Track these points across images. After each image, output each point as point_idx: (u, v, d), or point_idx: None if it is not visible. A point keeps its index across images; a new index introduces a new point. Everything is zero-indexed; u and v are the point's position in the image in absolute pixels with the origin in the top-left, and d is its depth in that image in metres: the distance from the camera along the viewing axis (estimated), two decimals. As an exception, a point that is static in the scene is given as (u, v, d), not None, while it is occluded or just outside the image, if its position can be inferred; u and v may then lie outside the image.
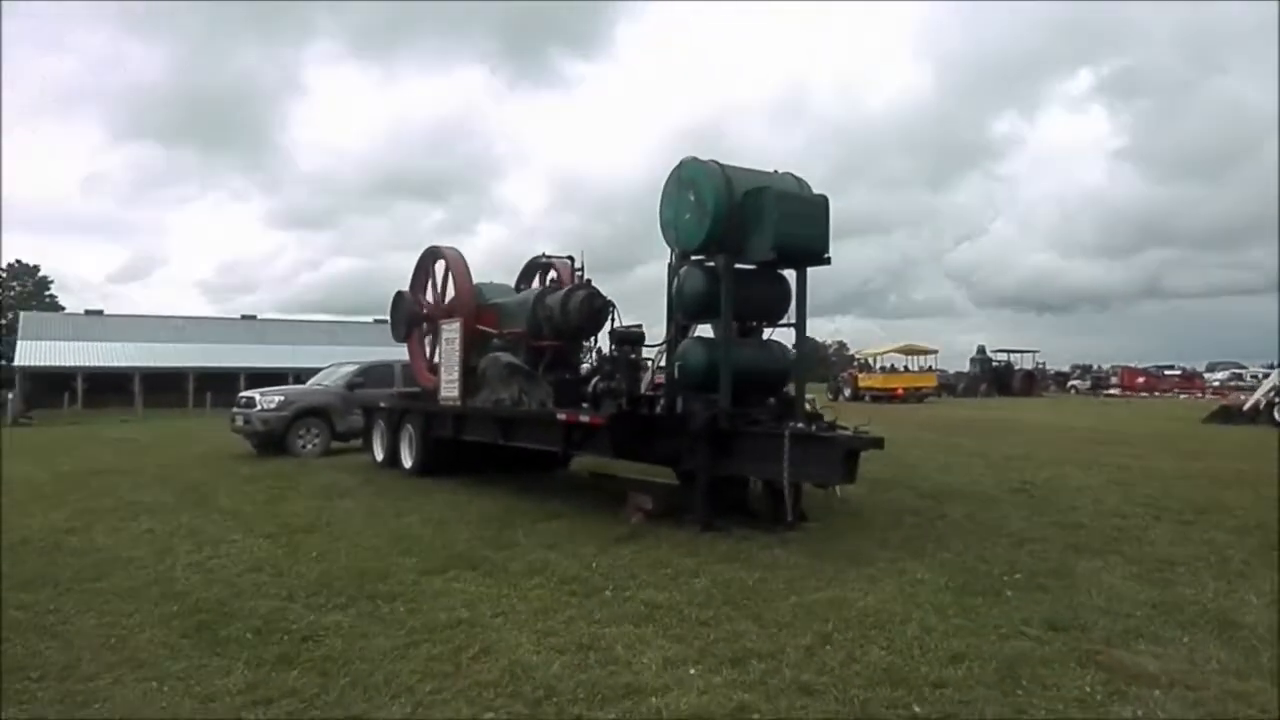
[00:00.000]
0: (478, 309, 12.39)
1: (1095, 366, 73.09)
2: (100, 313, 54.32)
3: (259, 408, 16.27)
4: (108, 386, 45.31)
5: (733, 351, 8.67)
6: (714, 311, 8.81)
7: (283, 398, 16.37)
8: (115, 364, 45.95)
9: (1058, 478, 12.00)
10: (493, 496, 10.88)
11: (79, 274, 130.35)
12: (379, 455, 14.18)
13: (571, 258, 11.73)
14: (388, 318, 13.75)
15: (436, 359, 13.79)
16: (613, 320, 11.38)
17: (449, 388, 11.80)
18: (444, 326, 12.02)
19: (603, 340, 11.80)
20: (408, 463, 13.18)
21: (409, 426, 13.17)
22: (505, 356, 11.07)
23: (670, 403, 8.88)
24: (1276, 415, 21.68)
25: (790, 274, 9.09)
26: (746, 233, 8.50)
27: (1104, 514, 9.29)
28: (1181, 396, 49.78)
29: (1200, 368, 73.99)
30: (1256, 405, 22.65)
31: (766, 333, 9.41)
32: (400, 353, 26.01)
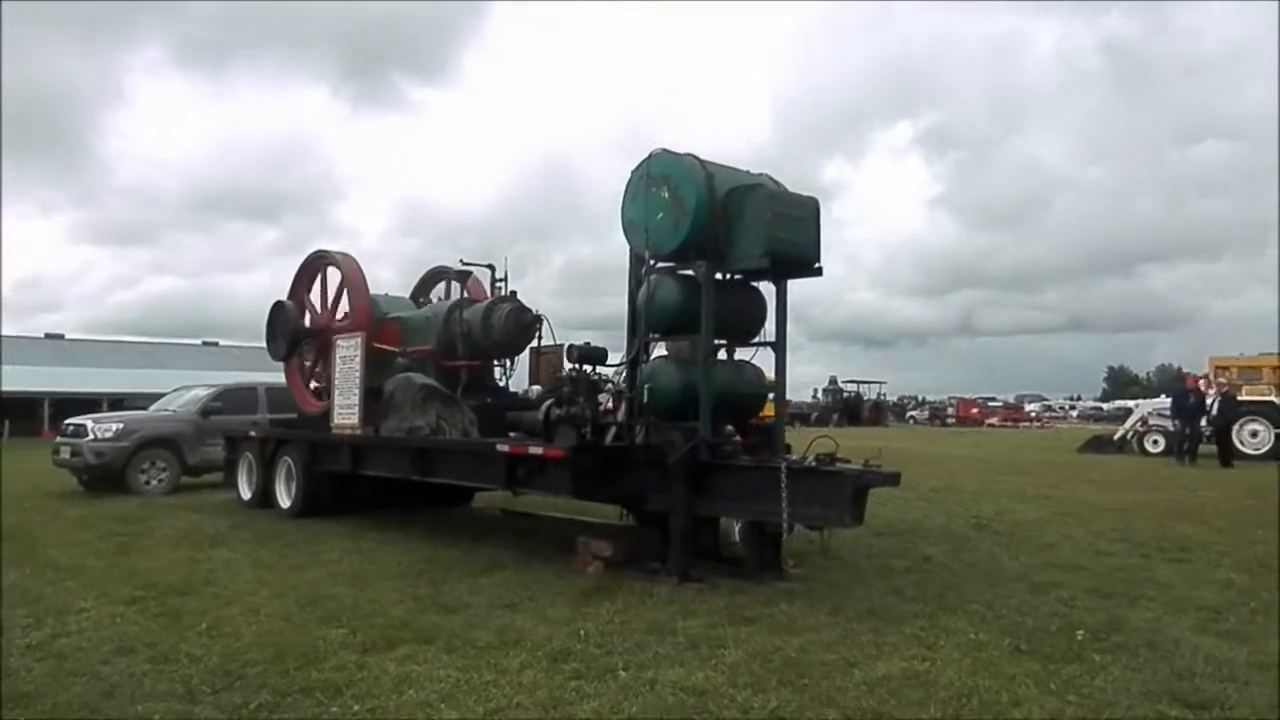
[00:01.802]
0: (376, 323, 10.72)
1: (921, 398, 76.79)
2: None
3: (91, 436, 13.76)
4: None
5: (709, 374, 7.52)
6: (688, 326, 7.64)
7: (122, 425, 13.91)
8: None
9: (1005, 512, 11.46)
10: (404, 542, 9.22)
11: None
12: (246, 493, 12.12)
13: (492, 266, 10.30)
14: (265, 337, 11.72)
15: (315, 382, 11.98)
16: (540, 337, 10.07)
17: (346, 414, 10.05)
18: (340, 342, 10.27)
19: (523, 361, 10.53)
20: (285, 502, 11.25)
21: (287, 459, 11.25)
22: (419, 378, 9.48)
23: (636, 432, 7.61)
24: (1147, 446, 22.54)
25: (764, 288, 8.07)
26: (731, 237, 7.40)
27: (1088, 552, 8.68)
28: (1021, 425, 52.44)
29: (1010, 399, 79.32)
30: (1125, 436, 23.54)
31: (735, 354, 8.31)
32: (255, 376, 23.46)
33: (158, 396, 19.14)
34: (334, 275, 11.46)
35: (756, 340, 8.05)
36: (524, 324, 9.75)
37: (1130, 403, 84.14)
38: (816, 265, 7.57)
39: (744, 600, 6.58)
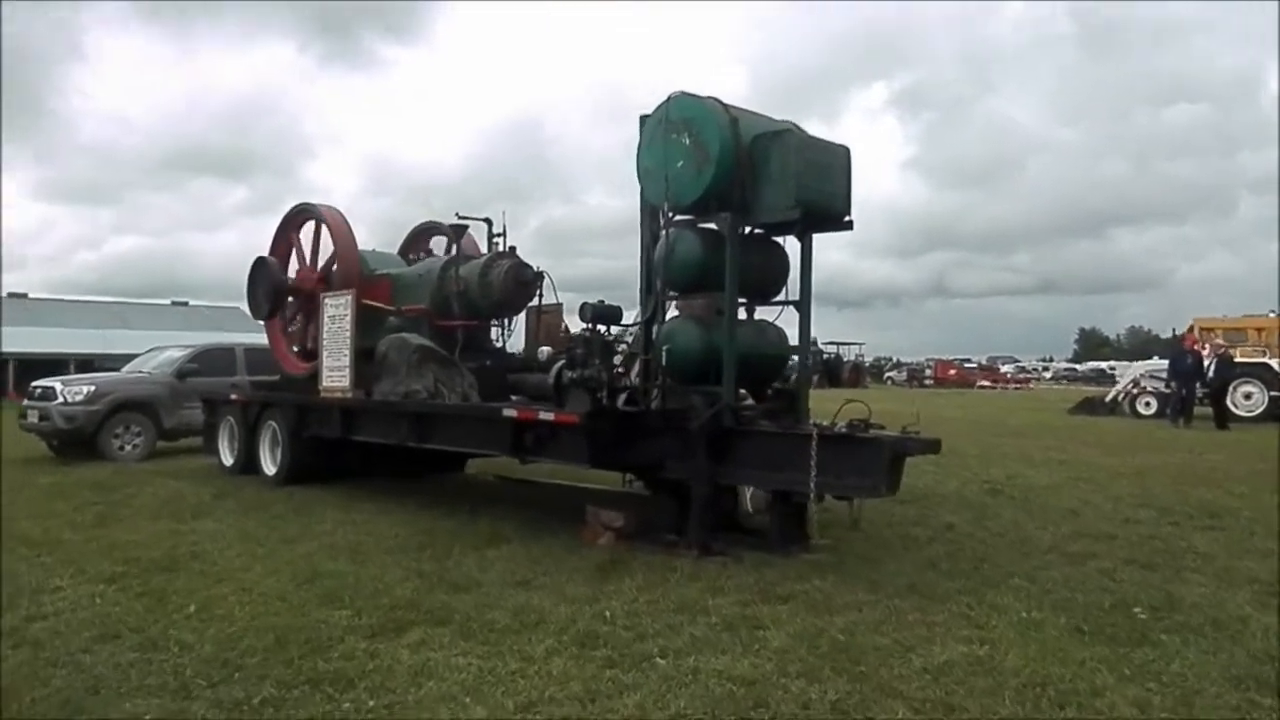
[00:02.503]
0: (365, 281, 10.14)
1: (896, 359, 76.90)
2: None
3: (61, 400, 13.10)
4: None
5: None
6: (709, 283, 7.16)
7: (94, 388, 13.24)
8: None
9: (1016, 477, 11.16)
10: (399, 512, 8.75)
11: None
12: (228, 459, 11.57)
13: (489, 220, 9.73)
14: (246, 295, 11.05)
15: (299, 344, 11.39)
16: (541, 295, 9.55)
17: (336, 376, 9.50)
18: (328, 301, 9.69)
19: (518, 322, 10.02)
20: (270, 468, 10.72)
21: (272, 424, 10.70)
22: (414, 338, 8.95)
23: (653, 396, 7.16)
24: (1139, 408, 22.43)
25: (786, 242, 7.60)
26: (757, 186, 6.89)
27: (1114, 520, 8.38)
28: (1003, 387, 52.56)
29: (984, 360, 79.63)
30: (1116, 398, 23.42)
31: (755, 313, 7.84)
32: (230, 337, 22.73)
33: (127, 358, 18.42)
34: (318, 230, 10.83)
35: (779, 299, 7.58)
36: (524, 281, 9.22)
37: (1104, 364, 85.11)
38: (847, 218, 7.09)
39: (772, 575, 6.18)
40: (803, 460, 6.42)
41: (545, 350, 8.54)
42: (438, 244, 11.72)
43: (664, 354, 7.03)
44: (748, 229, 7.26)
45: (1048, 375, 78.76)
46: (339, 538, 7.57)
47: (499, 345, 10.01)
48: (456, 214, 9.58)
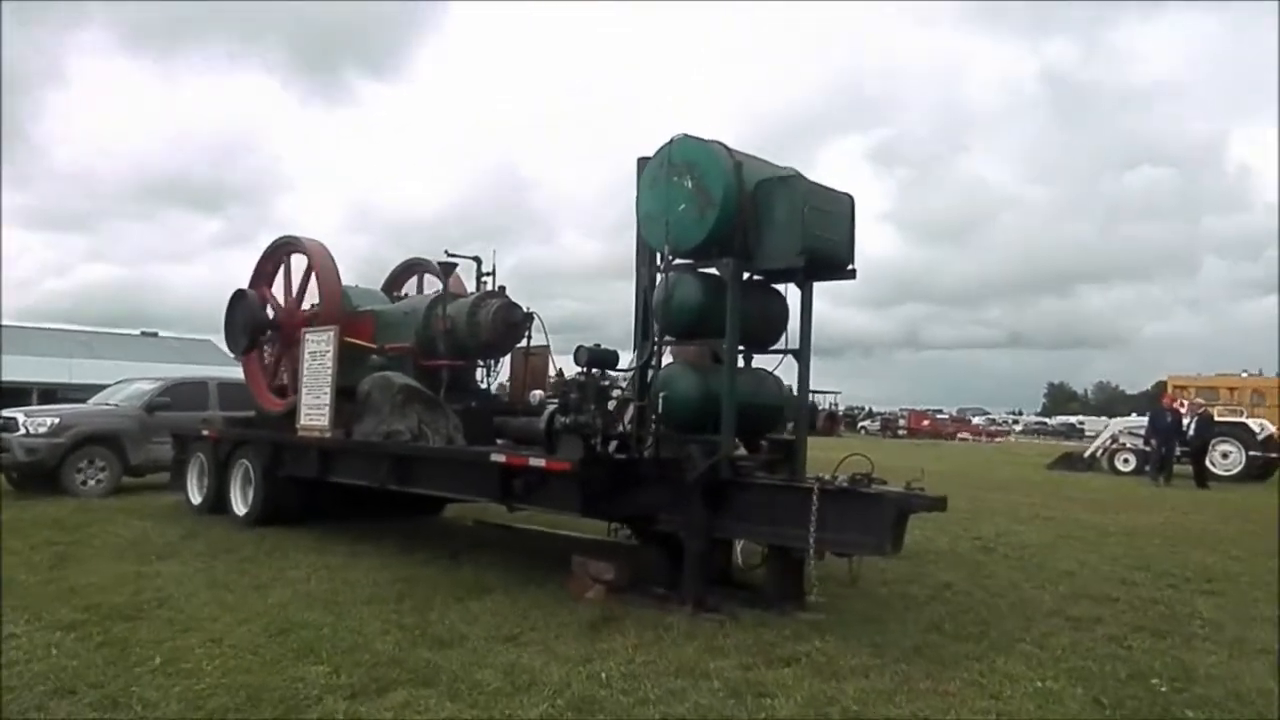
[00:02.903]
0: (348, 317, 9.86)
1: (869, 408, 77.12)
2: None
3: (22, 431, 12.61)
4: None
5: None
6: (708, 329, 6.97)
7: (58, 420, 12.76)
8: None
9: (1006, 534, 10.98)
10: (376, 557, 8.40)
11: None
12: (196, 498, 11.14)
13: (478, 258, 9.52)
14: (224, 329, 10.73)
15: (276, 379, 11.06)
16: (529, 337, 9.33)
17: (315, 414, 9.17)
18: (309, 337, 9.38)
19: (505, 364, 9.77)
20: (240, 508, 10.31)
21: (245, 462, 10.31)
22: (399, 377, 8.67)
23: (646, 444, 6.91)
24: (1117, 464, 22.44)
25: (785, 290, 7.45)
26: (761, 232, 6.74)
27: (1112, 581, 8.20)
28: (981, 440, 52.70)
29: (954, 412, 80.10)
30: (1094, 454, 23.45)
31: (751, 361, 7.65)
32: (201, 370, 22.20)
33: (93, 388, 17.93)
34: (300, 264, 10.57)
35: (777, 347, 7.40)
36: (513, 322, 9.00)
37: (1073, 418, 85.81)
38: (850, 267, 6.95)
39: (771, 635, 5.92)
40: (803, 515, 6.19)
41: (537, 394, 8.28)
42: (425, 282, 11.50)
43: (660, 401, 6.79)
44: (748, 275, 7.10)
45: (1018, 428, 79.39)
46: (314, 585, 7.21)
47: (484, 386, 9.74)
48: (446, 251, 9.37)
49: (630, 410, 7.29)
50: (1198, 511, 14.17)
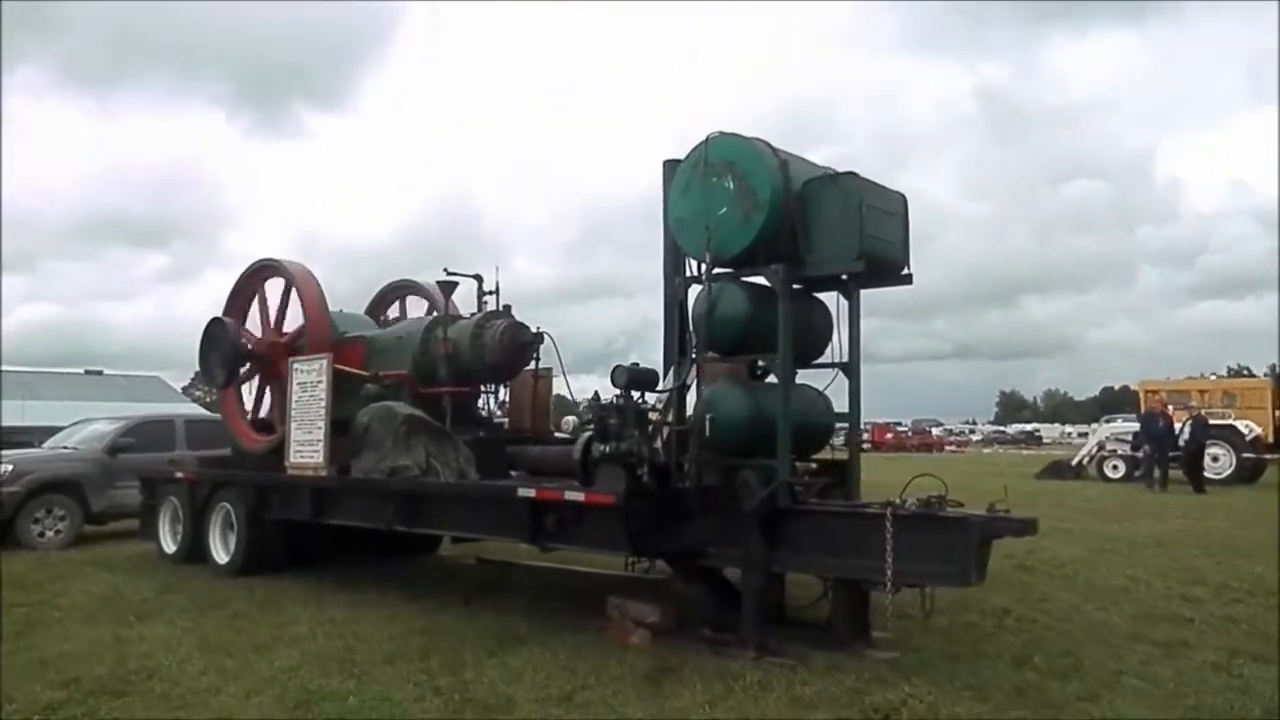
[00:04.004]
0: (336, 344, 9.11)
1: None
2: None
3: (-28, 481, 11.55)
4: None
5: (775, 400, 6.27)
6: (756, 344, 6.39)
7: (11, 466, 11.73)
8: None
9: (1037, 550, 10.42)
10: (382, 606, 7.63)
11: None
12: (169, 546, 10.22)
13: (479, 276, 8.82)
14: (199, 361, 9.83)
15: (255, 414, 10.24)
16: (537, 360, 8.66)
17: (307, 451, 8.38)
18: (298, 367, 8.60)
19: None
20: (221, 556, 9.43)
21: (226, 505, 9.45)
22: (402, 407, 7.94)
23: (689, 471, 6.28)
24: (1106, 471, 22.26)
25: (826, 298, 6.89)
26: (810, 235, 6.19)
27: (1174, 599, 7.76)
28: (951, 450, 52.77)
29: (908, 423, 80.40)
30: (1082, 461, 23.26)
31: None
32: (153, 408, 21.01)
33: (39, 430, 16.85)
34: (279, 288, 9.79)
35: (822, 361, 6.82)
36: (522, 343, 8.32)
37: (1028, 426, 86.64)
38: (906, 271, 6.42)
39: (852, 681, 5.31)
40: (872, 544, 5.61)
41: (570, 420, 7.61)
42: (410, 304, 10.81)
43: (707, 424, 6.17)
44: (800, 282, 6.53)
45: (975, 438, 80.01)
46: (322, 643, 6.43)
47: (488, 414, 9.04)
48: (445, 270, 8.67)
49: (662, 434, 6.65)
50: (1210, 517, 13.88)
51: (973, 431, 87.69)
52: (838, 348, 6.74)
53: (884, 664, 5.67)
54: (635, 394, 6.29)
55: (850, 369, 6.65)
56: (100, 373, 51.55)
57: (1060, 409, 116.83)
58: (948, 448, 59.19)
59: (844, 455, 6.92)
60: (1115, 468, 22.13)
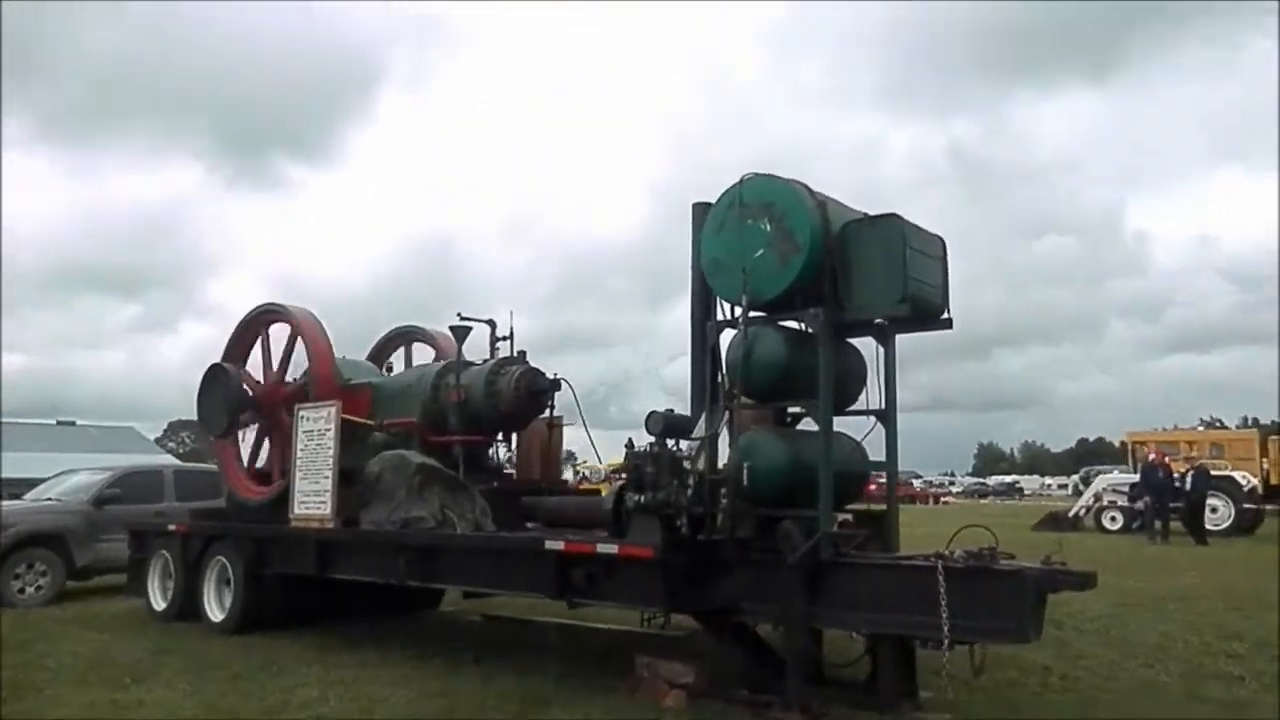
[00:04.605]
0: (343, 391, 8.81)
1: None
2: None
3: (-50, 535, 11.03)
4: None
5: (813, 448, 6.05)
6: (792, 389, 6.19)
7: (-9, 519, 11.25)
8: None
9: (1059, 603, 10.10)
10: (391, 667, 7.24)
11: None
12: (159, 602, 9.76)
13: (492, 321, 8.60)
14: (197, 408, 9.48)
15: (253, 464, 9.88)
16: (552, 408, 8.40)
17: (313, 502, 8.03)
18: (305, 414, 8.27)
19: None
20: (216, 614, 9.00)
21: (222, 559, 9.04)
22: (415, 456, 7.64)
23: (725, 522, 6.02)
24: (1104, 522, 22.08)
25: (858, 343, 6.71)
26: (850, 279, 6.02)
27: (1217, 655, 7.53)
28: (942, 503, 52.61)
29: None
30: (1079, 513, 23.08)
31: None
32: (126, 458, 20.45)
33: (11, 482, 16.34)
34: (282, 334, 9.50)
35: (857, 407, 6.62)
36: (537, 390, 8.07)
37: (1008, 478, 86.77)
38: (946, 315, 6.25)
39: (909, 746, 5.01)
40: (921, 599, 5.35)
41: (602, 469, 7.33)
42: (415, 351, 10.54)
43: (745, 472, 5.93)
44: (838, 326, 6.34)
45: (956, 489, 79.93)
46: (337, 707, 6.06)
47: (497, 464, 8.74)
48: (459, 315, 8.42)
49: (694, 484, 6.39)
50: (1222, 570, 13.68)
51: (952, 483, 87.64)
52: (870, 393, 6.60)
53: (934, 725, 5.38)
54: (670, 441, 6.04)
55: (886, 417, 6.46)
56: (73, 423, 50.39)
57: (1037, 460, 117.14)
58: (944, 499, 58.97)
59: (881, 507, 6.67)
60: (1113, 519, 21.94)
